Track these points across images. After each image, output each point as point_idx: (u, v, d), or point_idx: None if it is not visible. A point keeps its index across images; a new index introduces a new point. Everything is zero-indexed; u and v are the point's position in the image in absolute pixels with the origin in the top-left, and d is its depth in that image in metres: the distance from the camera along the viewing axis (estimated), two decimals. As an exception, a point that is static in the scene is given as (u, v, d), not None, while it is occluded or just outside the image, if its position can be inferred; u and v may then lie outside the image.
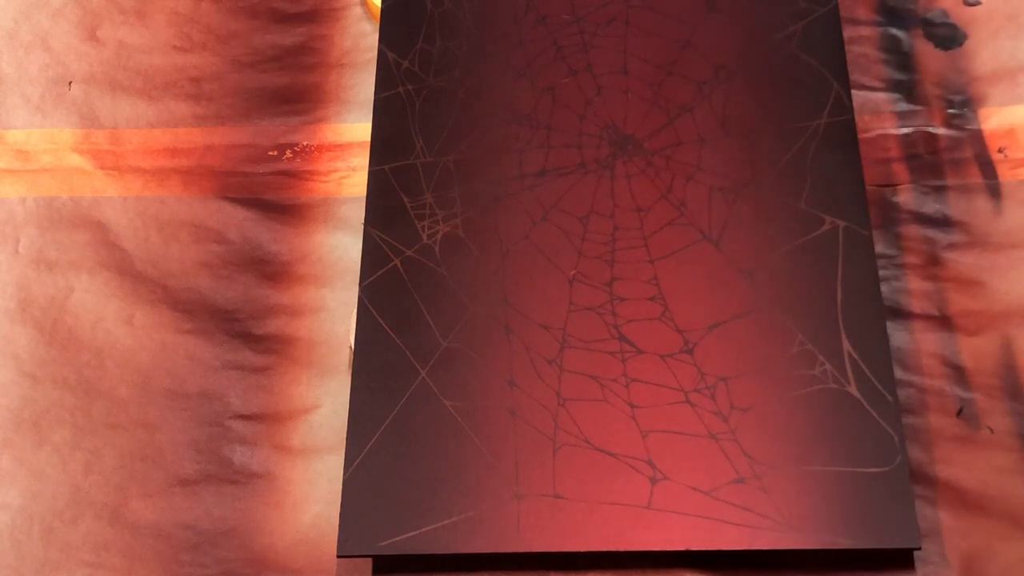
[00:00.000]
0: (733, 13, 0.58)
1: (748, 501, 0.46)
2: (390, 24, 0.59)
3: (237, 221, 0.56)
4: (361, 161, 0.58)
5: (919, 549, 0.46)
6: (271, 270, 0.55)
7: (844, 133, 0.54)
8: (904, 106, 0.58)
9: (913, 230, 0.55)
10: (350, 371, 0.52)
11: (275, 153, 0.58)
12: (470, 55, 0.57)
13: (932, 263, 0.54)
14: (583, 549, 0.46)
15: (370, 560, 0.48)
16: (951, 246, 0.54)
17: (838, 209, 0.52)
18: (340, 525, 0.47)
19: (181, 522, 0.49)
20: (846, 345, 0.49)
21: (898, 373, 0.51)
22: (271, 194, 0.57)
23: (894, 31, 0.60)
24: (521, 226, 0.53)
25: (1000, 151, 0.57)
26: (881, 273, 0.54)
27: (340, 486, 0.50)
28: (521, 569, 0.48)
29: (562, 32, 0.58)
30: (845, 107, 0.55)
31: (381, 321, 0.51)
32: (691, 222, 0.53)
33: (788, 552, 0.47)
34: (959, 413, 0.50)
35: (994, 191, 0.56)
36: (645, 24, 0.58)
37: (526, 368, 0.49)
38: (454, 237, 0.53)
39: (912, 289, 0.53)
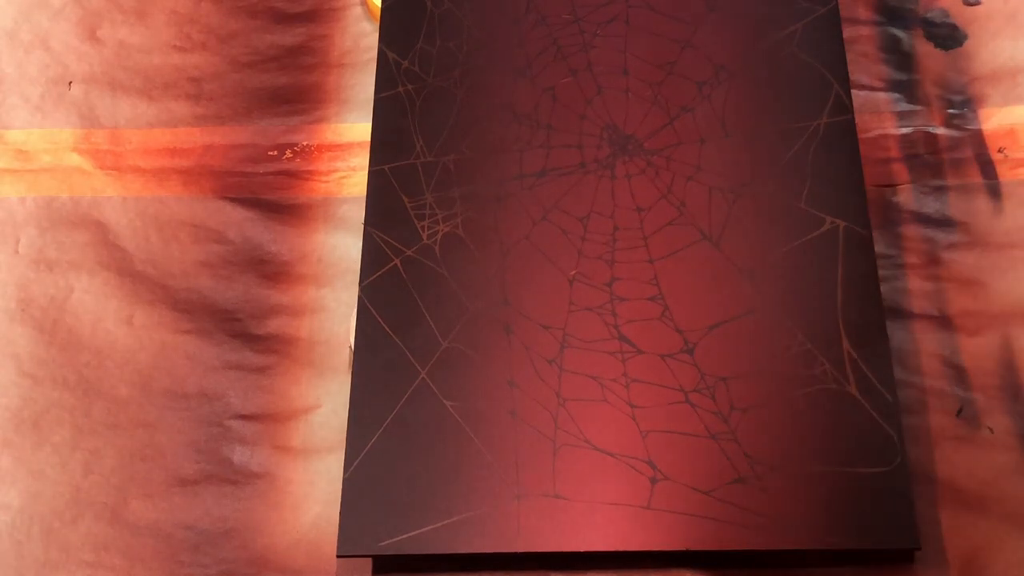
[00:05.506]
0: (733, 13, 0.58)
1: (748, 501, 0.46)
2: (390, 24, 0.58)
3: (237, 221, 0.56)
4: (361, 161, 0.58)
5: (919, 549, 0.46)
6: (271, 270, 0.55)
7: (844, 133, 0.54)
8: (904, 106, 0.58)
9: (913, 230, 0.55)
10: (350, 371, 0.52)
11: (275, 153, 0.58)
12: (470, 55, 0.57)
13: (932, 263, 0.54)
14: (583, 549, 0.46)
15: (370, 560, 0.48)
16: (951, 246, 0.54)
17: (838, 209, 0.52)
18: (340, 525, 0.47)
19: (181, 522, 0.49)
20: (846, 345, 0.49)
21: (898, 373, 0.51)
22: (271, 194, 0.57)
23: (894, 31, 0.60)
24: (521, 226, 0.53)
25: (1000, 151, 0.57)
26: (881, 273, 0.54)
27: (340, 486, 0.50)
28: (521, 569, 0.47)
29: (562, 32, 0.58)
30: (845, 107, 0.55)
31: (381, 321, 0.51)
32: (691, 222, 0.53)
33: (788, 552, 0.47)
34: (959, 413, 0.50)
35: (994, 191, 0.56)
36: (645, 24, 0.58)
37: (526, 368, 0.49)
38: (454, 237, 0.53)
39: (912, 289, 0.53)
